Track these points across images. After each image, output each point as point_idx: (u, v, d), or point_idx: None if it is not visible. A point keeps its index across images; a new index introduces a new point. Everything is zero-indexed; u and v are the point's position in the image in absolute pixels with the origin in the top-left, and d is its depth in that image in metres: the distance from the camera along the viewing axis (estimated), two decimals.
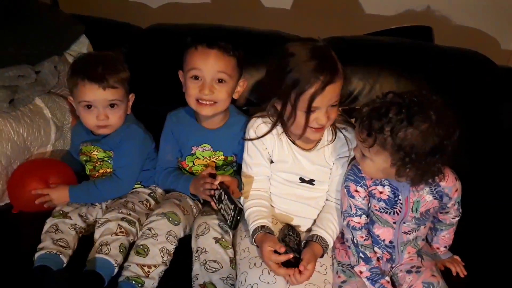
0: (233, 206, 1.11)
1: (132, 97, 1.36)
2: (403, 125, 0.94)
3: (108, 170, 1.37)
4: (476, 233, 1.29)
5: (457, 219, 1.18)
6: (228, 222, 1.14)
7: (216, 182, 1.19)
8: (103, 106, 1.27)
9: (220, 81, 1.24)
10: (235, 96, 1.32)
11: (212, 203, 1.21)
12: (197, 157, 1.36)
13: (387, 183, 1.08)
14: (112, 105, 1.28)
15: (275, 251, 1.08)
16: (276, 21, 1.71)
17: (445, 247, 1.21)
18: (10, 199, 1.32)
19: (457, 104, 1.43)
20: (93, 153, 1.35)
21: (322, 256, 1.14)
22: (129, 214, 1.24)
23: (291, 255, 1.07)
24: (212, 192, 1.21)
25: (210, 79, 1.23)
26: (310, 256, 1.08)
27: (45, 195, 1.27)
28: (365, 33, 1.69)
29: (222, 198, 1.16)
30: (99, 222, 1.22)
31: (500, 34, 1.76)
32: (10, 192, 1.31)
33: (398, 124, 0.94)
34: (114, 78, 1.25)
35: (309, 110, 1.08)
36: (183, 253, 1.19)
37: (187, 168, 1.39)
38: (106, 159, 1.35)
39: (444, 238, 1.20)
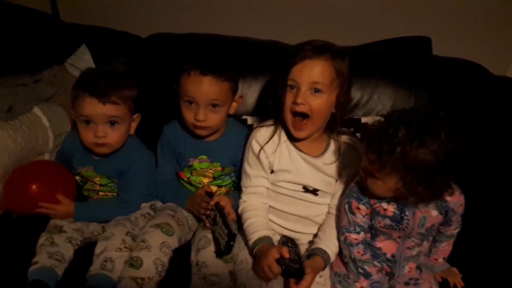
0: (227, 231, 1.10)
1: (137, 117, 1.31)
2: (414, 145, 0.91)
3: (109, 194, 1.35)
4: (474, 246, 1.27)
5: (457, 230, 1.17)
6: (221, 247, 1.12)
7: (212, 203, 1.19)
8: (102, 122, 1.20)
9: (215, 105, 1.23)
10: (231, 112, 1.31)
11: (207, 223, 1.21)
12: (195, 169, 1.35)
13: (393, 200, 1.06)
14: (112, 123, 1.22)
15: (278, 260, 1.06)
16: (275, 31, 1.71)
17: (443, 258, 1.20)
18: (5, 195, 1.25)
19: (454, 114, 1.46)
20: (95, 179, 1.32)
21: (323, 269, 1.14)
22: (133, 229, 1.23)
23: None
24: (208, 212, 1.21)
25: (204, 105, 1.21)
26: (312, 269, 1.08)
27: (49, 208, 1.23)
28: (363, 43, 1.69)
29: (217, 220, 1.16)
30: (103, 235, 1.19)
31: (497, 44, 1.77)
32: (10, 189, 1.24)
33: (409, 145, 0.91)
34: (117, 94, 1.20)
35: (287, 81, 1.11)
36: (179, 264, 1.18)
37: (185, 179, 1.38)
38: (109, 184, 1.33)
39: (444, 249, 1.19)
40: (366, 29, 1.78)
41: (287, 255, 1.06)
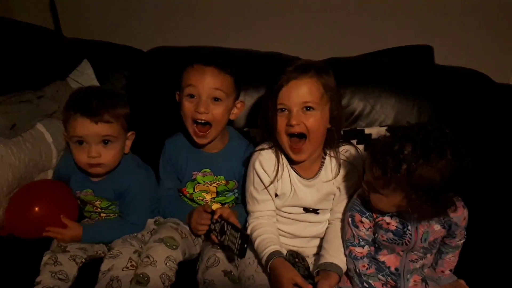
0: (239, 234, 1.10)
1: (131, 135, 1.29)
2: (419, 163, 0.90)
3: (112, 215, 1.34)
4: (481, 258, 1.26)
5: (462, 241, 1.15)
6: (235, 251, 1.11)
7: (216, 216, 1.18)
8: (95, 142, 1.19)
9: (216, 99, 1.23)
10: (232, 117, 1.31)
11: (213, 237, 1.19)
12: (198, 183, 1.34)
13: (395, 214, 1.05)
14: (105, 142, 1.20)
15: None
16: (277, 42, 1.72)
17: (450, 270, 1.19)
18: (7, 219, 1.23)
19: (457, 122, 1.46)
20: (96, 203, 1.31)
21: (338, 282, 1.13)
22: (141, 247, 1.22)
23: None
24: (212, 226, 1.20)
25: (205, 96, 1.21)
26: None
27: (56, 232, 1.22)
28: (364, 53, 1.69)
29: (225, 229, 1.15)
30: (110, 253, 1.18)
31: (500, 52, 1.77)
32: (13, 212, 1.23)
33: (415, 162, 0.90)
34: (109, 113, 1.18)
35: (276, 105, 1.10)
36: (184, 277, 1.17)
37: (188, 195, 1.37)
38: (111, 207, 1.32)
39: (449, 260, 1.17)
40: (367, 38, 1.78)
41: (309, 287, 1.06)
